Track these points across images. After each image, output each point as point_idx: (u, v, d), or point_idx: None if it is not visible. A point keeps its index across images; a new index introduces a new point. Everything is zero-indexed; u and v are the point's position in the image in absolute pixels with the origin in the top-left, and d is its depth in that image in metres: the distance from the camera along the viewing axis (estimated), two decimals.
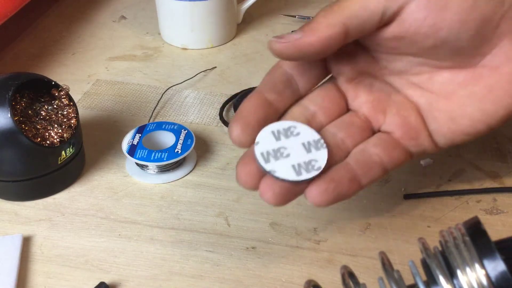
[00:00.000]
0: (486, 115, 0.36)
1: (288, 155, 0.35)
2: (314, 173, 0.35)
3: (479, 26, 0.34)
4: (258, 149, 0.35)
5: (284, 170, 0.34)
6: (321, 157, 0.35)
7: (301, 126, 0.37)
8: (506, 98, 0.35)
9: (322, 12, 0.35)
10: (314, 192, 0.34)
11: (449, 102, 0.37)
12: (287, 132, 0.36)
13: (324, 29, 0.34)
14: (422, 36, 0.35)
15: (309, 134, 0.36)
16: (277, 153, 0.35)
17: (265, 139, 0.35)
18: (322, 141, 0.36)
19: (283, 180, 0.34)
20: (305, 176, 0.34)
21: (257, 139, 0.35)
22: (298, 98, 0.38)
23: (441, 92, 0.37)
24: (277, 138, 0.36)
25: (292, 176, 0.34)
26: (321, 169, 0.35)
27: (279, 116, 0.38)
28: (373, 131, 0.38)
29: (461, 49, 0.35)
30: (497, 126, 0.36)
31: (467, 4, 0.33)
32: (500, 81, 0.35)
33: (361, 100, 0.38)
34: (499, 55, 0.35)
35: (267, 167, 0.34)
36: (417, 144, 0.38)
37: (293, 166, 0.35)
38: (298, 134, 0.36)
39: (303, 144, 0.36)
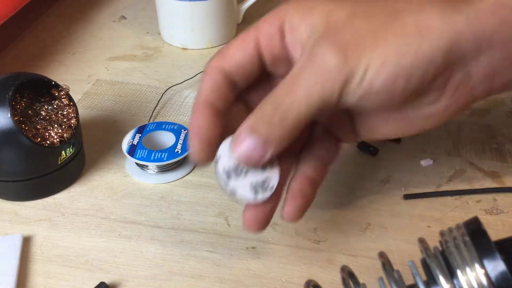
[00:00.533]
0: (397, 133, 0.40)
1: (247, 172, 0.36)
2: (268, 193, 0.36)
3: (409, 97, 0.35)
4: (221, 165, 0.36)
5: (243, 190, 0.36)
6: (274, 175, 0.37)
7: None
8: (419, 126, 0.38)
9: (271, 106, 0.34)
10: (291, 213, 0.37)
11: (369, 118, 0.39)
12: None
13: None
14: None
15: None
16: (237, 170, 0.36)
17: (226, 153, 0.36)
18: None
19: (243, 200, 0.36)
20: (261, 196, 0.36)
21: (218, 153, 0.36)
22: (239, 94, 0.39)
23: (365, 112, 0.39)
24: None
25: (251, 196, 0.36)
26: (274, 189, 0.36)
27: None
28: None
29: (392, 107, 0.37)
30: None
31: (399, 87, 0.34)
32: (418, 115, 0.37)
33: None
34: (425, 100, 0.36)
35: (228, 187, 0.36)
36: (346, 136, 0.41)
37: (251, 186, 0.36)
38: None
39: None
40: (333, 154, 0.41)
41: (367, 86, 0.33)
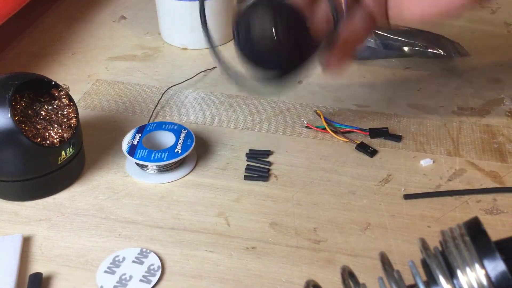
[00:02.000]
0: (423, 12, 0.45)
1: (131, 277, 0.40)
2: (157, 275, 0.41)
3: None
4: None
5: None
6: (154, 259, 0.42)
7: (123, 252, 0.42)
8: (442, 4, 0.44)
9: None
10: (331, 62, 0.44)
11: None
12: (115, 262, 0.41)
13: None
14: None
15: (132, 252, 0.42)
16: (122, 281, 0.40)
17: (105, 280, 0.40)
18: (144, 249, 0.42)
19: None
20: (154, 280, 0.40)
21: (100, 284, 0.40)
22: None
23: None
24: (112, 272, 0.41)
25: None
26: (160, 268, 0.41)
27: None
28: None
29: None
30: (430, 21, 0.46)
31: None
32: None
33: None
34: None
35: None
36: (379, 19, 0.46)
37: (141, 280, 0.40)
38: (124, 258, 0.42)
39: (133, 261, 0.41)
40: (368, 29, 0.47)
41: None
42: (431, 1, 0.44)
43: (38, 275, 0.40)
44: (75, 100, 0.49)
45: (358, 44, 0.48)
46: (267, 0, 0.40)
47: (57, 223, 0.45)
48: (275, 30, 0.39)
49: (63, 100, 0.48)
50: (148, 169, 0.50)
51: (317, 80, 0.62)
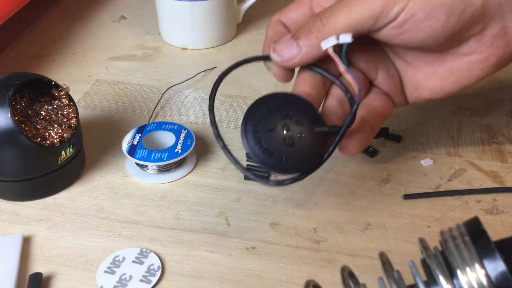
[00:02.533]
0: (443, 90, 0.44)
1: (130, 277, 0.40)
2: (157, 275, 0.41)
3: (449, 36, 0.40)
4: None
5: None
6: (154, 259, 0.42)
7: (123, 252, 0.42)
8: (462, 80, 0.43)
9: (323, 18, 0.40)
10: (350, 146, 0.41)
11: (415, 74, 0.44)
12: (115, 262, 0.41)
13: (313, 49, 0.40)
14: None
15: (132, 252, 0.42)
16: (122, 281, 0.40)
17: (105, 280, 0.40)
18: (144, 249, 0.42)
19: None
20: (154, 280, 0.40)
21: (100, 284, 0.40)
22: None
23: (411, 64, 0.44)
24: (112, 272, 0.41)
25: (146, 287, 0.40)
26: (160, 268, 0.41)
27: None
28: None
29: (434, 47, 0.42)
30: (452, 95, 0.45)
31: (440, 23, 0.39)
32: (460, 66, 0.43)
33: (357, 56, 0.44)
34: (465, 48, 0.42)
35: None
36: (397, 100, 0.46)
37: (140, 280, 0.40)
38: (124, 259, 0.42)
39: (133, 261, 0.41)
40: (387, 110, 0.45)
41: (408, 15, 0.38)
42: (450, 77, 0.43)
43: (38, 275, 0.40)
44: (75, 100, 0.49)
45: (378, 126, 0.45)
46: (273, 98, 0.38)
47: (57, 223, 0.45)
48: (286, 133, 0.37)
49: (63, 100, 0.48)
50: (148, 169, 0.50)
51: None
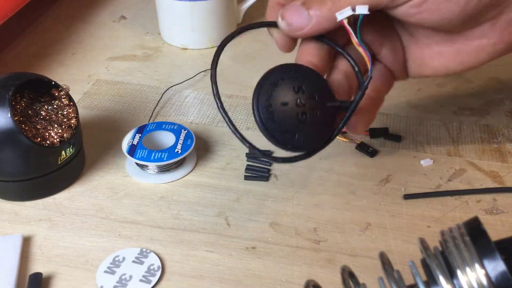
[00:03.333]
0: (447, 70, 0.44)
1: (130, 277, 0.40)
2: (157, 275, 0.41)
3: (466, 19, 0.40)
4: None
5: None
6: (154, 259, 0.42)
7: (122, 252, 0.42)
8: (467, 62, 0.43)
9: None
10: (357, 123, 0.41)
11: (422, 52, 0.44)
12: (115, 262, 0.41)
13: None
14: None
15: (131, 252, 0.42)
16: (122, 281, 0.40)
17: (105, 280, 0.40)
18: (144, 249, 0.42)
19: None
20: (154, 280, 0.40)
21: (100, 284, 0.40)
22: None
23: (420, 42, 0.43)
24: (112, 272, 0.41)
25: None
26: (160, 268, 0.41)
27: None
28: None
29: (448, 28, 0.41)
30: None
31: (459, 6, 0.38)
32: (468, 49, 0.42)
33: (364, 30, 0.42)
34: (478, 32, 0.41)
35: None
36: (398, 75, 0.45)
37: (140, 280, 0.40)
38: (124, 259, 0.42)
39: (133, 261, 0.41)
40: (389, 85, 0.45)
41: None
42: (456, 58, 0.43)
43: (38, 275, 0.40)
44: (75, 100, 0.49)
45: (381, 102, 0.45)
46: (283, 70, 0.37)
47: (57, 223, 0.45)
48: (298, 105, 0.36)
49: (63, 100, 0.48)
50: (148, 169, 0.50)
51: None
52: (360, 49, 0.38)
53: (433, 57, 0.43)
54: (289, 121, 0.36)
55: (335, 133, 0.38)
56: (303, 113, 0.36)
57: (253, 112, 0.36)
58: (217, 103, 0.37)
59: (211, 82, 0.37)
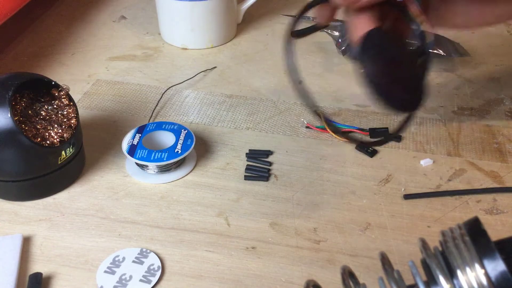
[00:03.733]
0: (466, 27, 0.47)
1: (130, 277, 0.40)
2: (157, 275, 0.41)
3: None
4: None
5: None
6: (154, 259, 0.42)
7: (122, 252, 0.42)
8: (486, 23, 0.45)
9: None
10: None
11: (446, 10, 0.44)
12: (115, 262, 0.41)
13: None
14: None
15: (131, 252, 0.42)
16: (122, 281, 0.40)
17: (105, 280, 0.40)
18: (144, 249, 0.42)
19: None
20: (154, 280, 0.40)
21: (100, 284, 0.40)
22: None
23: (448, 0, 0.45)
24: (112, 272, 0.41)
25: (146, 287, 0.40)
26: (160, 268, 0.41)
27: None
28: None
29: None
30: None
31: None
32: (493, 13, 0.43)
33: None
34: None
35: None
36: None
37: (140, 280, 0.40)
38: (124, 259, 0.42)
39: (133, 261, 0.42)
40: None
41: None
42: (479, 18, 0.44)
43: (38, 275, 0.40)
44: (75, 100, 0.49)
45: None
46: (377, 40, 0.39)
47: (57, 223, 0.45)
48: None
49: (63, 100, 0.48)
50: (148, 169, 0.50)
51: (317, 80, 0.62)
52: (421, 16, 0.39)
53: (456, 15, 0.45)
54: (413, 81, 0.39)
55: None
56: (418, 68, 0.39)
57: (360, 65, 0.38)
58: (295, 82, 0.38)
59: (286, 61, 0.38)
